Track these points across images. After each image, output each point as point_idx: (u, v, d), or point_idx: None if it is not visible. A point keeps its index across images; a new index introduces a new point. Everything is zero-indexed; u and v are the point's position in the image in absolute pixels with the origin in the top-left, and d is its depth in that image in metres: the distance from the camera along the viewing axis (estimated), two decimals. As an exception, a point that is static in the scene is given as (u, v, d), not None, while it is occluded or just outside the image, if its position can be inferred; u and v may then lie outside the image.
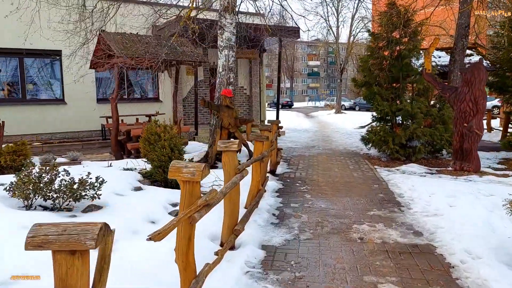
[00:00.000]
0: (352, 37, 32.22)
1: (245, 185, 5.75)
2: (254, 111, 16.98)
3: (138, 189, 5.39)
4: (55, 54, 13.11)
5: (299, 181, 7.80)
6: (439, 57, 12.61)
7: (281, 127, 9.78)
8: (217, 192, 2.92)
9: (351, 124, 21.65)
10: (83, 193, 4.35)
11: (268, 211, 5.64)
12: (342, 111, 34.77)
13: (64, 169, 4.43)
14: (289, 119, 26.28)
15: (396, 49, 10.48)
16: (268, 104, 51.29)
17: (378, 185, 7.39)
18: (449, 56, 12.67)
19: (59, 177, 4.33)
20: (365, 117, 25.82)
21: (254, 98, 17.06)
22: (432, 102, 11.22)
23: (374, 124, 11.19)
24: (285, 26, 14.85)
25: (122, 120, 12.36)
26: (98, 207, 4.46)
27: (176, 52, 10.39)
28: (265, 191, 6.34)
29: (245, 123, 9.27)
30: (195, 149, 10.96)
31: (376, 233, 4.83)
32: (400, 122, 10.54)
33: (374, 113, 10.96)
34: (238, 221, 4.37)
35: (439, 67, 12.34)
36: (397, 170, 8.99)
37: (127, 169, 6.15)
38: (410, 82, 10.73)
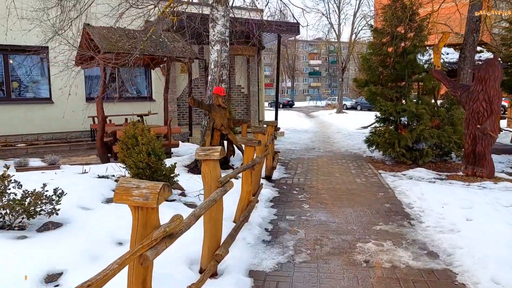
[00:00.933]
0: (354, 35, 31.49)
1: (236, 192, 5.09)
2: (252, 111, 16.27)
3: (110, 201, 4.71)
4: (42, 51, 12.44)
5: (296, 188, 7.11)
6: (447, 54, 11.91)
7: (278, 129, 9.10)
8: (182, 218, 2.24)
9: (353, 125, 20.95)
10: (38, 209, 3.68)
11: (260, 226, 4.96)
12: (343, 110, 34.05)
13: (14, 180, 3.76)
14: (289, 119, 25.60)
15: (400, 45, 9.80)
16: (268, 103, 50.64)
17: (383, 193, 6.70)
18: (457, 53, 11.99)
19: (9, 189, 3.65)
20: (367, 117, 25.11)
21: (252, 98, 16.35)
22: (439, 102, 10.53)
23: (377, 124, 10.52)
24: (284, 22, 14.14)
25: (110, 120, 11.71)
26: (57, 225, 3.78)
27: (167, 47, 9.70)
28: (257, 201, 5.65)
29: (240, 124, 8.59)
30: (187, 151, 10.29)
31: (384, 254, 4.14)
32: (406, 123, 9.86)
33: (378, 114, 10.27)
34: (222, 242, 3.69)
35: (447, 64, 11.64)
36: (404, 175, 8.30)
37: (103, 177, 5.47)
38: (416, 80, 10.05)
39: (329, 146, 12.83)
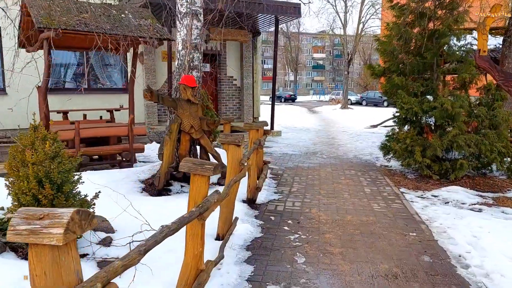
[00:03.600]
0: (361, 24, 29.15)
1: (210, 223, 2.97)
2: (245, 107, 14.14)
3: None
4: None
5: (289, 220, 5.01)
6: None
7: (268, 132, 6.96)
8: None
9: (360, 122, 18.79)
10: None
11: (219, 312, 2.88)
12: (348, 106, 31.82)
13: None
14: (289, 115, 23.47)
15: (428, 25, 7.67)
16: (269, 98, 48.45)
17: (415, 232, 4.60)
18: (494, 39, 9.82)
19: None
20: (375, 114, 22.96)
21: (246, 91, 14.20)
22: (472, 99, 8.38)
23: (391, 123, 8.43)
24: (282, 1, 11.99)
25: (66, 117, 9.60)
26: None
27: (129, 25, 7.53)
28: (222, 257, 3.55)
29: (215, 126, 6.43)
30: (154, 158, 8.22)
31: None
32: (433, 125, 7.75)
33: (396, 112, 8.14)
34: None
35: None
36: (435, 196, 6.20)
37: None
38: (447, 71, 7.92)
39: (334, 150, 10.71)
